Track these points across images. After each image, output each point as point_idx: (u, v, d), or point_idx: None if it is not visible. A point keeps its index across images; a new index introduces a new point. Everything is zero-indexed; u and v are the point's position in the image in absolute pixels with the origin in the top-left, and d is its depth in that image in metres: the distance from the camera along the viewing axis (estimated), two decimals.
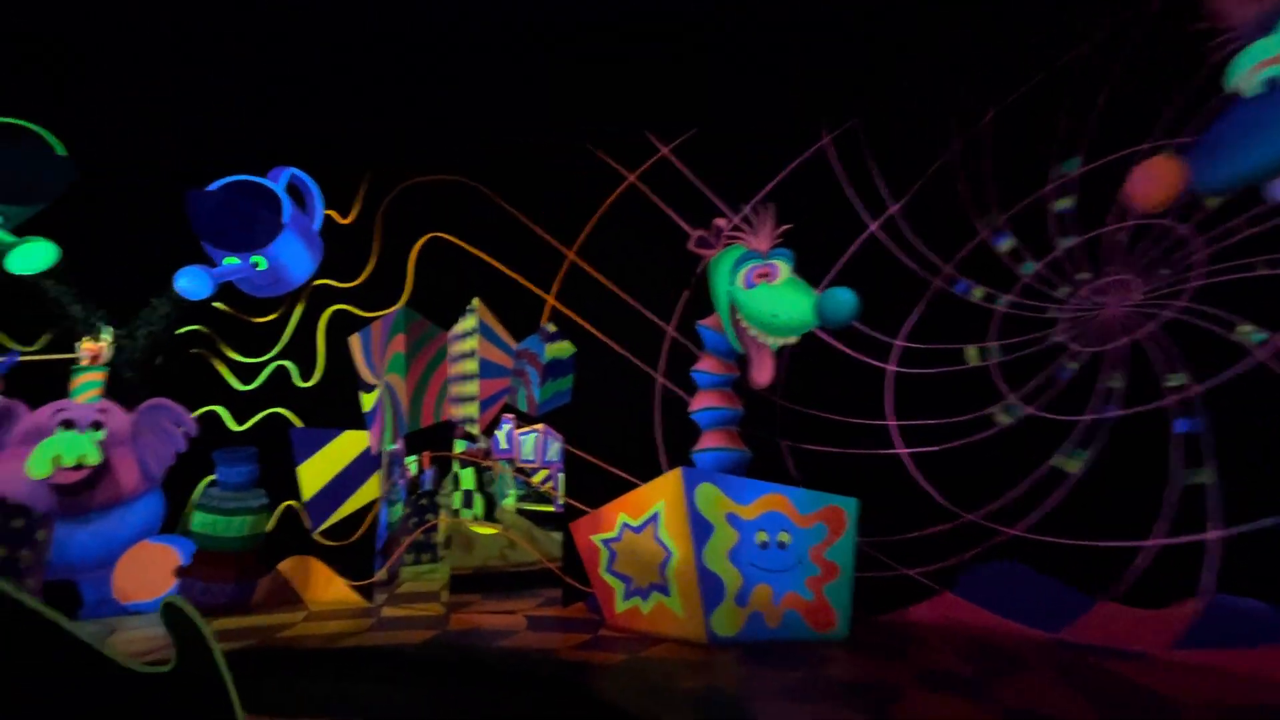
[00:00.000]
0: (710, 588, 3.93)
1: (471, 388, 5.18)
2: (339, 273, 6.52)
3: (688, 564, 3.97)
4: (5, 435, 5.07)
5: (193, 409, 6.32)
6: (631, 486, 4.66)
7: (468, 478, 8.16)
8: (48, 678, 1.61)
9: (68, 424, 5.28)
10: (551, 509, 6.98)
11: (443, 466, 7.98)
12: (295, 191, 6.66)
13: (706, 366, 4.72)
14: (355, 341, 5.90)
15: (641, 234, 5.60)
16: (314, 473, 5.65)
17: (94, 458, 5.18)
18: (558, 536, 6.07)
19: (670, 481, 4.11)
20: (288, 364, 6.40)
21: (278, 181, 6.45)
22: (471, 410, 5.17)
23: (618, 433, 5.31)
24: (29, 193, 5.84)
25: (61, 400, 5.40)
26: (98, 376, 5.56)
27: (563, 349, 5.40)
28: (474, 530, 7.84)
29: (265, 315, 6.59)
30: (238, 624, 4.91)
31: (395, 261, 6.34)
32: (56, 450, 5.06)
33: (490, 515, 8.37)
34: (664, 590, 4.18)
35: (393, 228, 6.50)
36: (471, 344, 5.21)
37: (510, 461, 7.23)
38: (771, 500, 4.12)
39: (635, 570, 4.40)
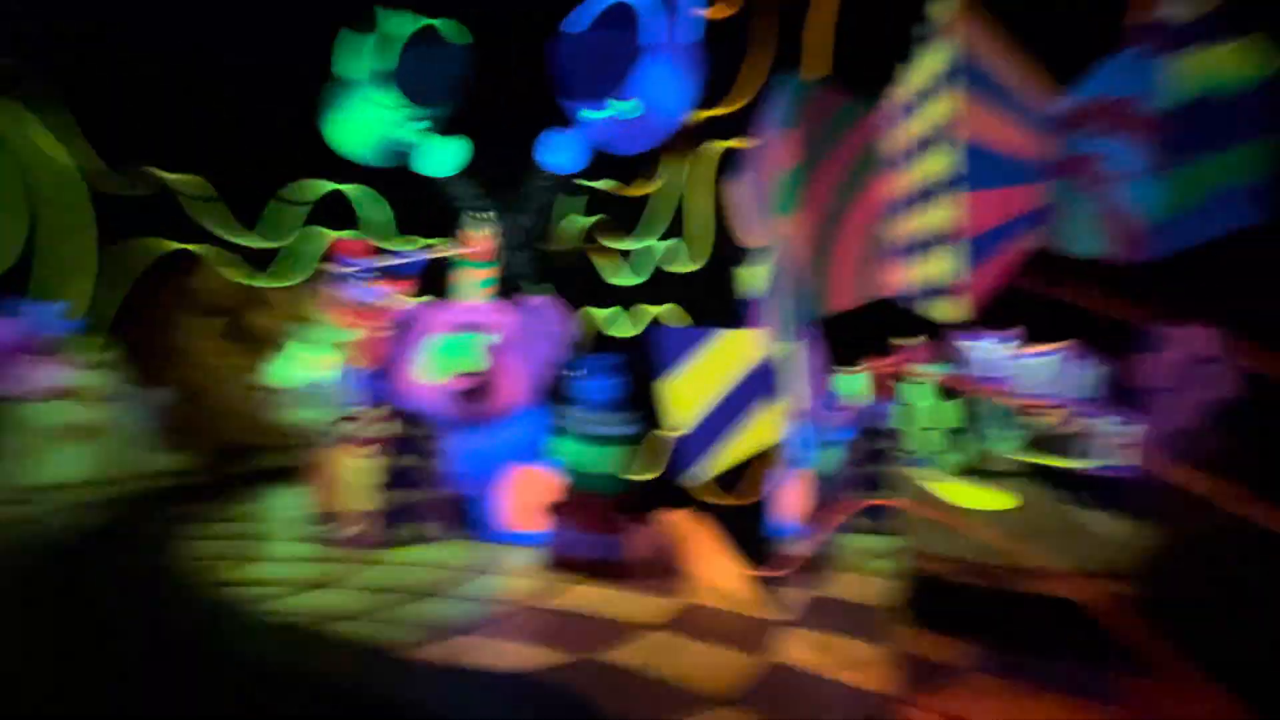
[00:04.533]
0: None
1: (939, 214, 2.17)
2: (726, 94, 4.30)
3: None
4: (408, 343, 4.84)
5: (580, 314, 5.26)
6: None
7: (950, 412, 5.53)
8: None
9: (459, 328, 4.78)
10: (1080, 465, 4.52)
11: (904, 392, 5.29)
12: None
13: None
14: (738, 186, 3.61)
15: None
16: (687, 393, 3.71)
17: (481, 364, 4.50)
18: (1111, 525, 3.26)
19: None
20: (675, 243, 4.65)
21: None
22: (941, 267, 2.18)
23: None
24: (447, 90, 5.61)
25: (455, 302, 4.95)
26: (487, 274, 4.92)
27: (1236, 63, 1.75)
28: (957, 500, 4.93)
29: (649, 184, 4.96)
30: (583, 601, 3.44)
31: (796, 49, 3.68)
32: (447, 356, 4.54)
33: (982, 470, 5.59)
34: None
35: None
36: (939, 113, 2.17)
37: (1005, 395, 5.03)
38: None
39: None
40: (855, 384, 4.86)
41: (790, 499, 4.36)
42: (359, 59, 5.45)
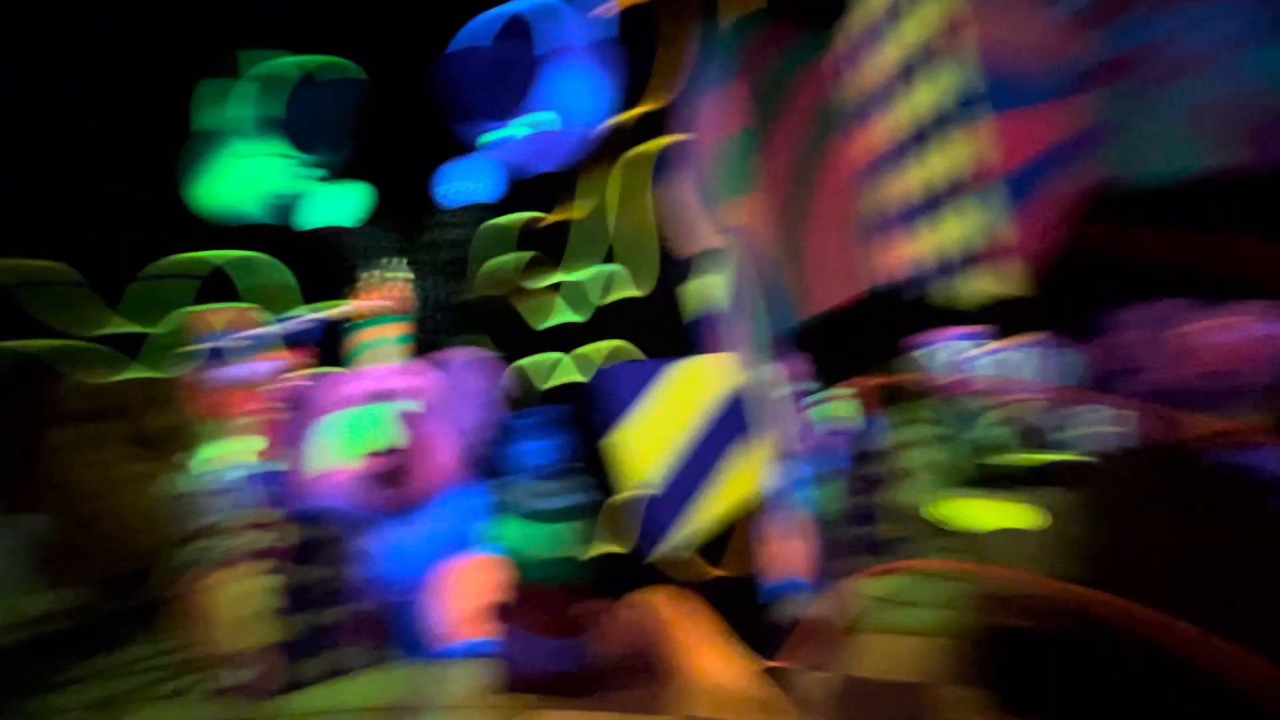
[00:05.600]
0: None
1: (949, 158, 1.56)
2: (647, 89, 3.73)
3: None
4: (304, 425, 4.00)
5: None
6: None
7: (930, 423, 5.15)
8: None
9: (367, 399, 3.96)
10: (1063, 457, 4.35)
11: (897, 406, 4.68)
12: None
13: None
14: (677, 183, 2.98)
15: None
16: (647, 443, 2.98)
17: (398, 439, 3.69)
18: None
19: None
20: (614, 269, 3.99)
21: None
22: (964, 227, 1.55)
23: None
24: (341, 133, 4.94)
25: (360, 368, 4.15)
26: (400, 330, 4.15)
27: None
28: (978, 523, 4.42)
29: (572, 207, 4.32)
30: None
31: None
32: (354, 434, 3.72)
33: (988, 480, 5.22)
34: None
35: None
36: (925, 26, 1.58)
37: (985, 394, 4.77)
38: None
39: None
40: (843, 406, 4.22)
41: (788, 554, 3.62)
42: (227, 108, 4.74)
